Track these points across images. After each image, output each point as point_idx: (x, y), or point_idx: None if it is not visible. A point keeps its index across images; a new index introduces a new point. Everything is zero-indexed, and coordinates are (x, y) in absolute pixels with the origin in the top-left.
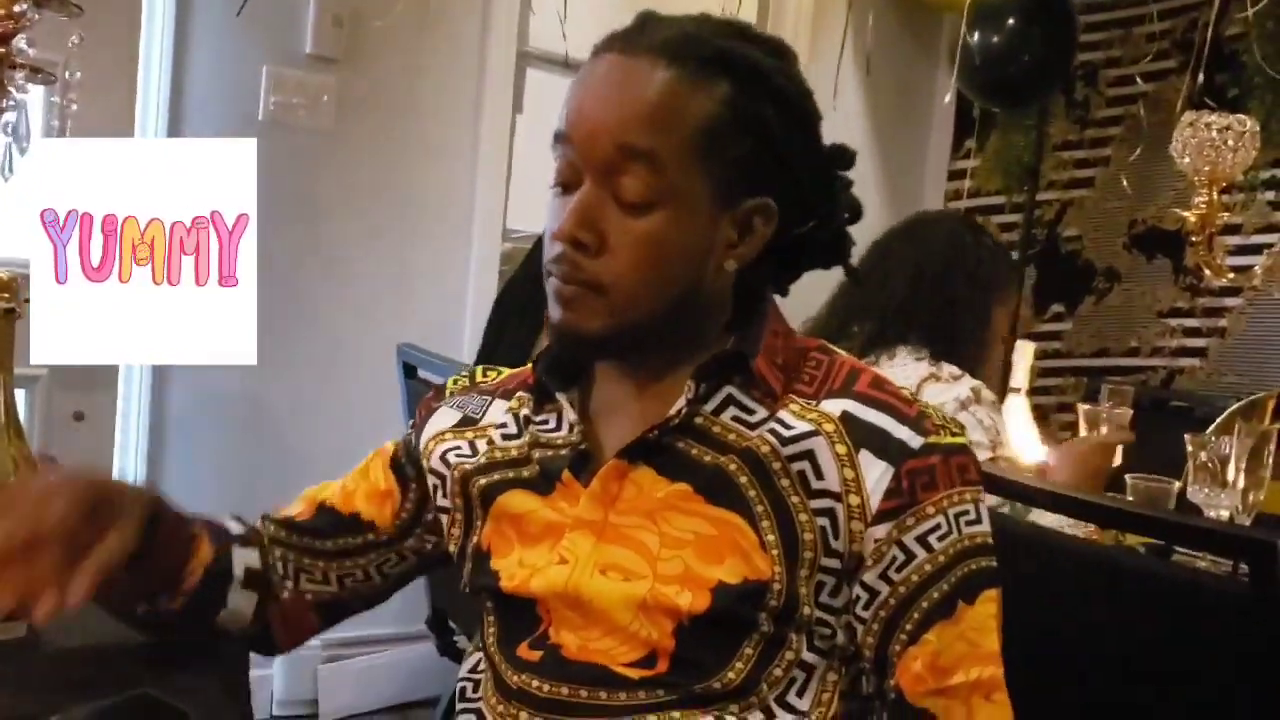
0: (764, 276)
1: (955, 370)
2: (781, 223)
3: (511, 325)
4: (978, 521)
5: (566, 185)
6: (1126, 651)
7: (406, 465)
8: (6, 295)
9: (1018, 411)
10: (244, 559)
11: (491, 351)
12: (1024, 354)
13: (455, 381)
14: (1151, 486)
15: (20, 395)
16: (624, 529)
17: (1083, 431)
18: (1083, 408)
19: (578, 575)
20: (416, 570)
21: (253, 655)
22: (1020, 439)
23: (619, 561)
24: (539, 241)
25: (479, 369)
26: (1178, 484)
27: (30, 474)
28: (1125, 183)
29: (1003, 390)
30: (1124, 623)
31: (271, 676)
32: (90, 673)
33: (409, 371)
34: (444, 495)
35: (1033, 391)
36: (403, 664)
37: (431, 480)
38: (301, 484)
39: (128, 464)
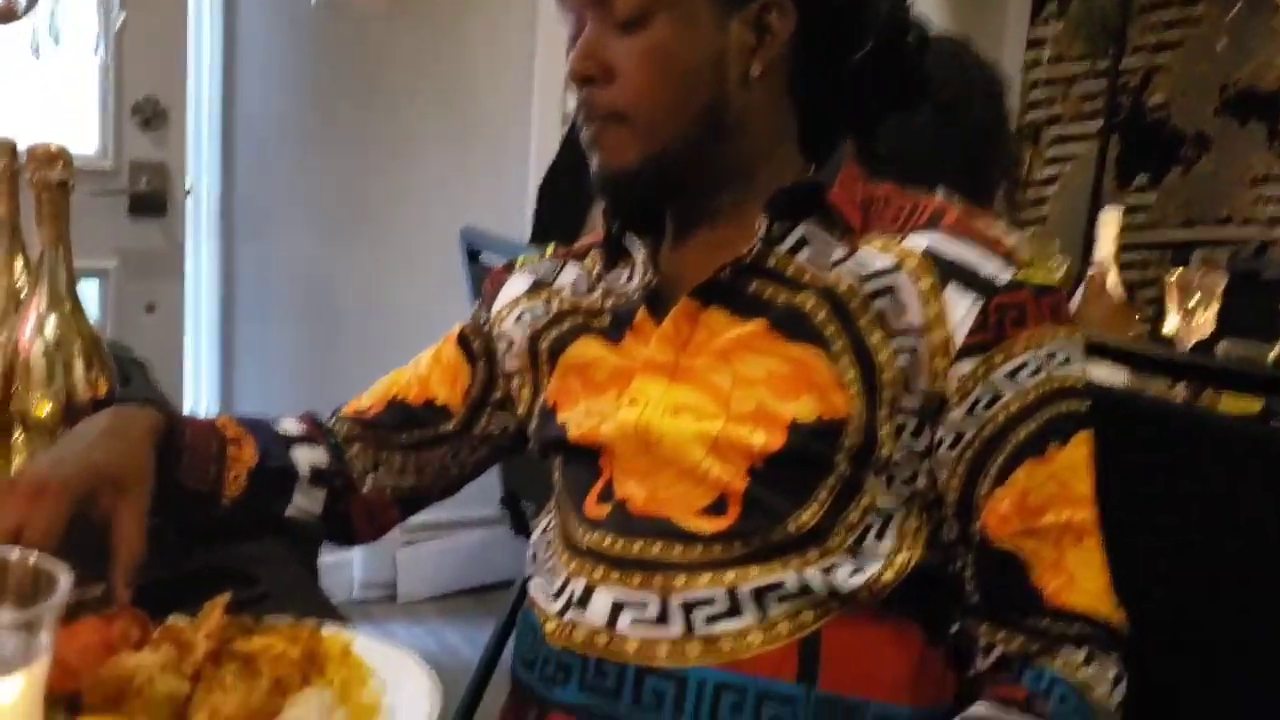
0: (832, 108)
1: (1000, 224)
2: (819, 36)
3: (560, 200)
4: (1070, 362)
5: (575, 31)
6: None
7: (474, 341)
8: (62, 166)
9: (1107, 285)
10: (308, 458)
11: (546, 230)
12: (1109, 222)
13: (524, 259)
14: (1245, 349)
15: (93, 286)
16: (696, 370)
17: (1172, 305)
18: (1173, 276)
19: (648, 415)
20: (491, 458)
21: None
22: (1103, 314)
23: (690, 403)
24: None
25: (549, 246)
26: (1272, 353)
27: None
28: (1219, 44)
29: (1082, 267)
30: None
31: (351, 561)
32: (157, 550)
33: (472, 256)
34: (513, 358)
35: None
36: (479, 547)
37: (501, 346)
38: (370, 368)
39: (199, 355)
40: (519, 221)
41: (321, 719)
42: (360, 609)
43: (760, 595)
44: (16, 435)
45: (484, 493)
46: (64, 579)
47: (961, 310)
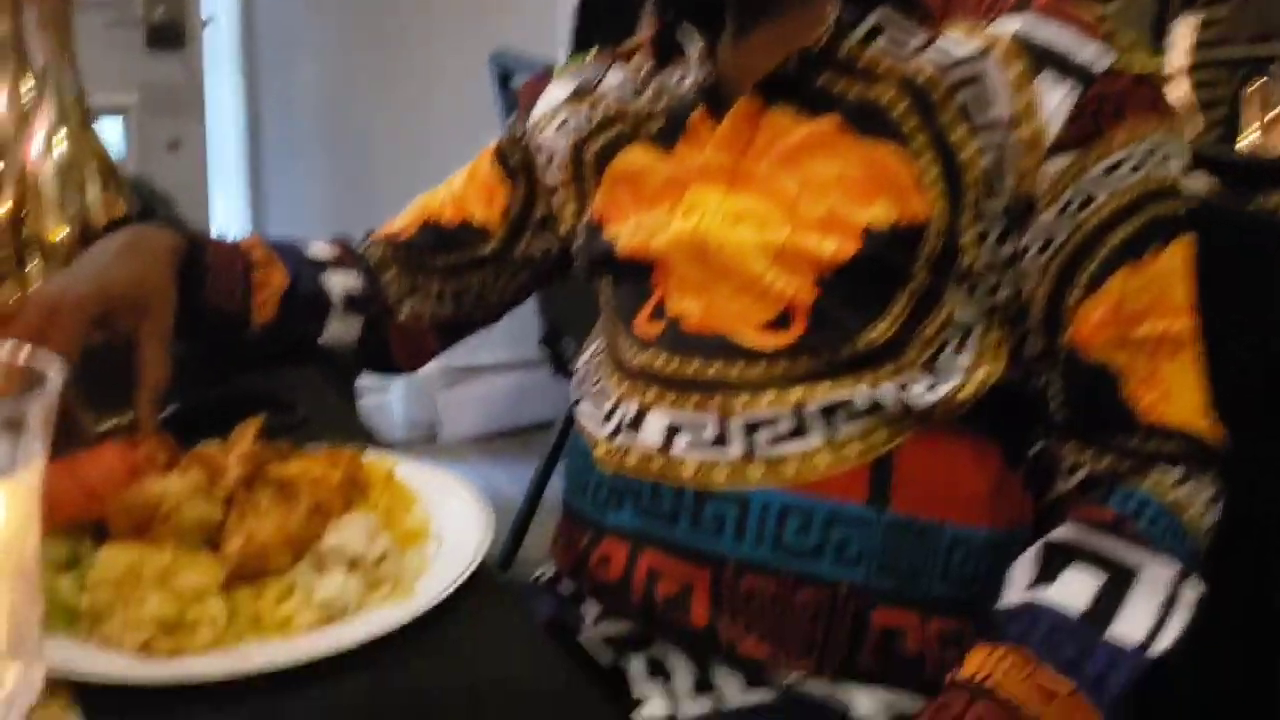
0: None
1: None
2: None
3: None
4: (1170, 160)
5: None
6: None
7: (511, 156)
8: None
9: (1175, 97)
10: (342, 283)
11: (588, 36)
12: (1183, 34)
13: (562, 66)
14: None
15: (115, 124)
16: (758, 175)
17: (1250, 118)
18: (1253, 86)
19: (705, 224)
20: (532, 283)
21: (373, 383)
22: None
23: (752, 211)
24: None
25: (591, 50)
26: None
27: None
28: None
29: None
30: None
31: (392, 403)
32: (190, 376)
33: (503, 81)
34: (554, 171)
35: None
36: (519, 389)
37: (541, 159)
38: (401, 201)
39: (226, 192)
40: (553, 43)
41: (367, 544)
42: (402, 450)
43: (829, 413)
44: (32, 264)
45: (524, 334)
46: (54, 374)
47: (1054, 101)
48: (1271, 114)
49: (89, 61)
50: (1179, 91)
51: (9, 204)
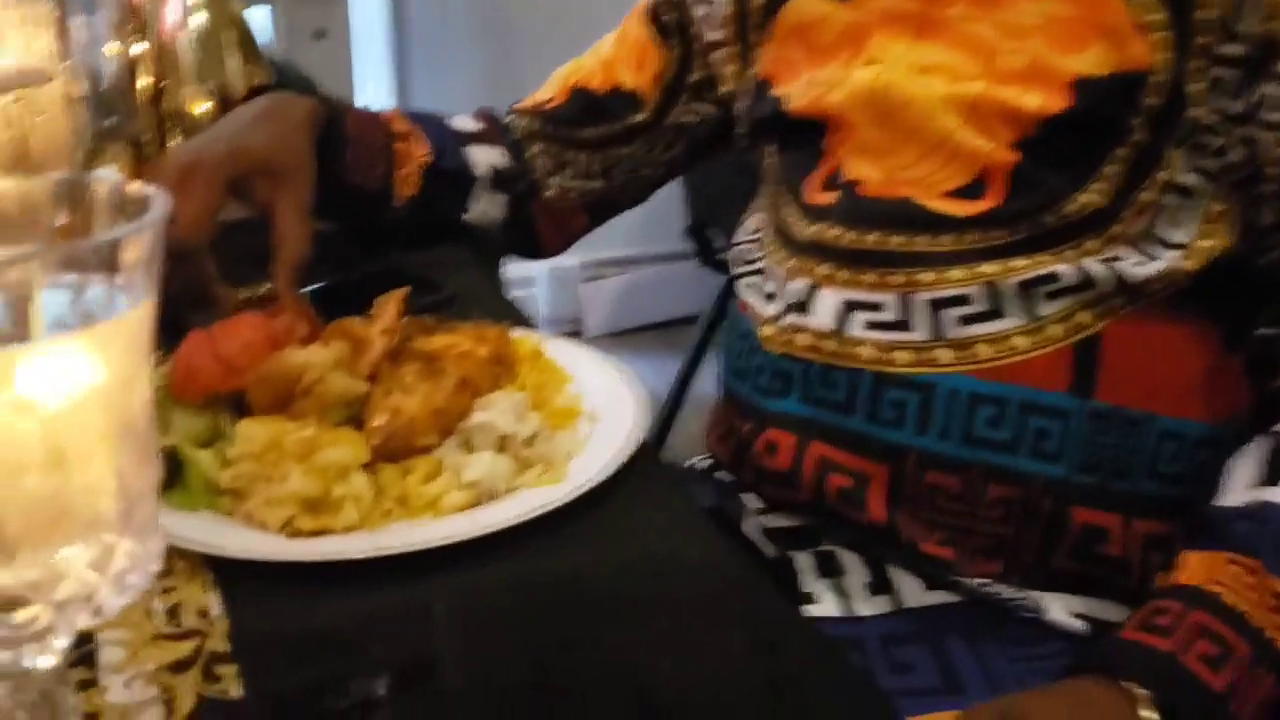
0: None
1: None
2: None
3: None
4: None
5: None
6: None
7: (665, 14)
8: None
9: None
10: (487, 158)
11: None
12: None
13: None
14: None
15: (264, 11)
16: (949, 21)
17: None
18: None
19: (888, 76)
20: (686, 157)
21: (515, 276)
22: None
23: (942, 61)
24: None
25: None
26: None
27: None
28: None
29: None
30: None
31: (535, 296)
32: (332, 250)
33: None
34: (714, 25)
35: None
36: (664, 282)
37: (698, 12)
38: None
39: (371, 83)
40: None
41: (516, 423)
42: None
43: (1028, 291)
44: (174, 139)
45: (667, 226)
46: (158, 204)
47: None
48: None
49: None
50: None
51: (149, 78)
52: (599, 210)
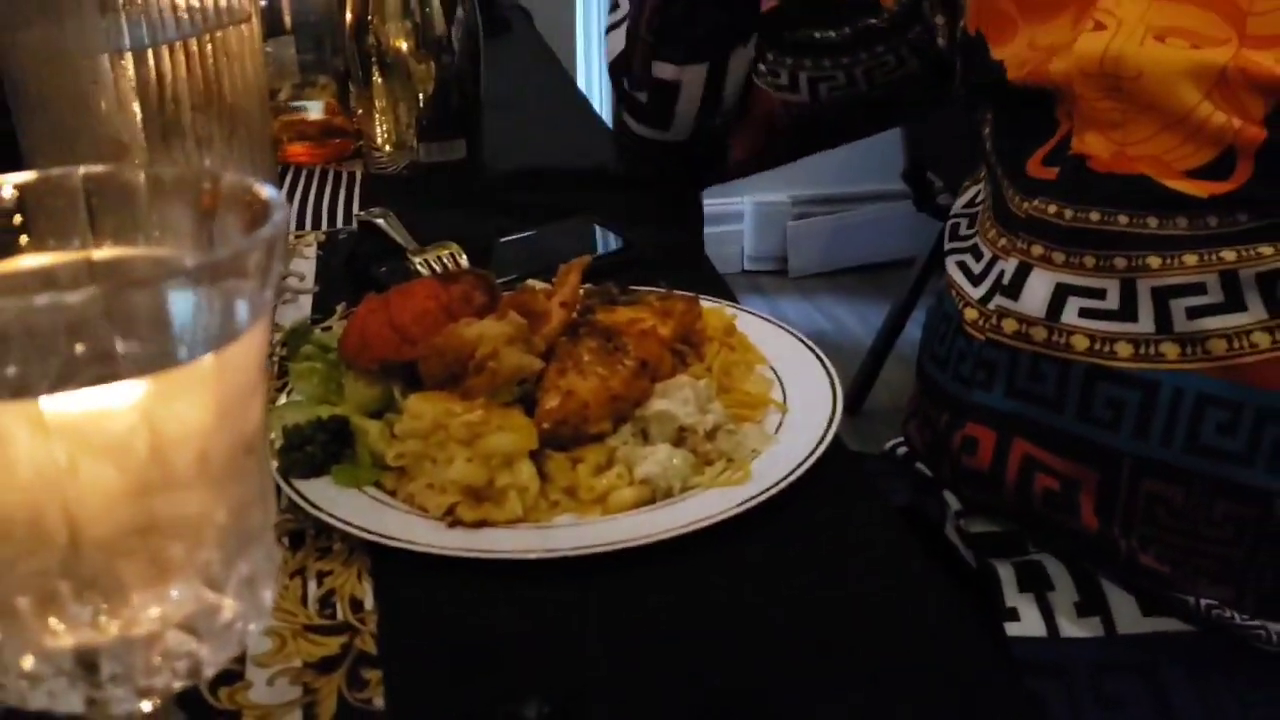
0: None
1: None
2: None
3: None
4: None
5: None
6: None
7: None
8: None
9: None
10: None
11: None
12: None
13: None
14: None
15: None
16: None
17: None
18: None
19: (1120, 43)
20: (914, 88)
21: (720, 211)
22: None
23: (1184, 24)
24: None
25: None
26: None
27: None
28: None
29: None
30: None
31: (742, 232)
32: (527, 197)
33: None
34: None
35: None
36: (875, 222)
37: None
38: None
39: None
40: None
41: (698, 414)
42: (749, 281)
43: (1271, 282)
44: (376, 76)
45: (883, 163)
46: (280, 209)
47: None
48: None
49: None
50: None
51: (355, 12)
52: (798, 134)
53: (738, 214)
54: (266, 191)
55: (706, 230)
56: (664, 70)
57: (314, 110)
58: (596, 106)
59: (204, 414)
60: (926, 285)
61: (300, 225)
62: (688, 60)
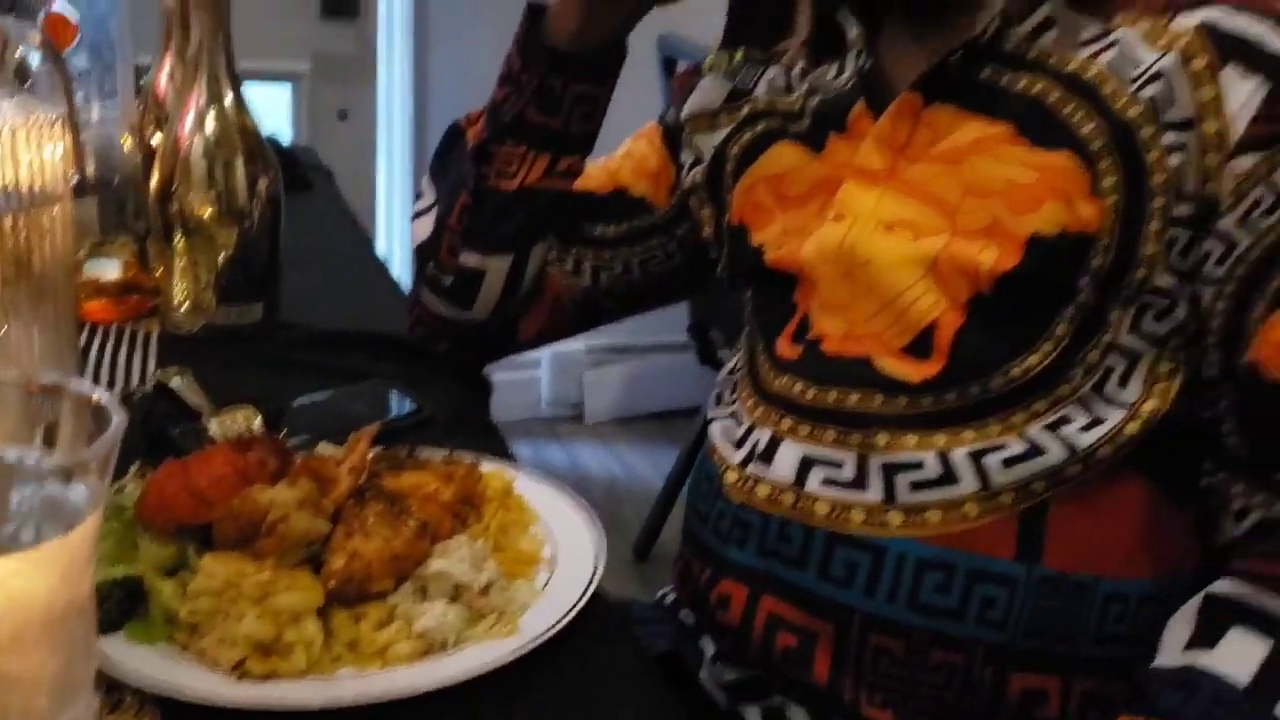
0: None
1: None
2: None
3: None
4: None
5: None
6: None
7: (672, 139)
8: None
9: None
10: None
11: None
12: None
13: (715, 56)
14: None
15: (285, 90)
16: (916, 178)
17: None
18: None
19: (856, 232)
20: (681, 277)
21: (519, 358)
22: None
23: (908, 216)
24: None
25: (740, 49)
26: None
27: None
28: None
29: None
30: None
31: (539, 379)
32: (322, 359)
33: (668, 66)
34: (693, 171)
35: None
36: (667, 372)
37: (685, 155)
38: None
39: (391, 163)
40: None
41: (473, 572)
42: (547, 426)
43: (979, 461)
44: (178, 238)
45: (672, 318)
46: (118, 419)
47: (1243, 95)
48: None
49: (264, 29)
50: None
51: (161, 177)
52: (580, 312)
53: (536, 361)
54: (104, 399)
55: (506, 376)
56: (470, 260)
57: (112, 269)
58: (393, 266)
59: (48, 587)
60: (705, 449)
61: (96, 383)
62: (494, 252)
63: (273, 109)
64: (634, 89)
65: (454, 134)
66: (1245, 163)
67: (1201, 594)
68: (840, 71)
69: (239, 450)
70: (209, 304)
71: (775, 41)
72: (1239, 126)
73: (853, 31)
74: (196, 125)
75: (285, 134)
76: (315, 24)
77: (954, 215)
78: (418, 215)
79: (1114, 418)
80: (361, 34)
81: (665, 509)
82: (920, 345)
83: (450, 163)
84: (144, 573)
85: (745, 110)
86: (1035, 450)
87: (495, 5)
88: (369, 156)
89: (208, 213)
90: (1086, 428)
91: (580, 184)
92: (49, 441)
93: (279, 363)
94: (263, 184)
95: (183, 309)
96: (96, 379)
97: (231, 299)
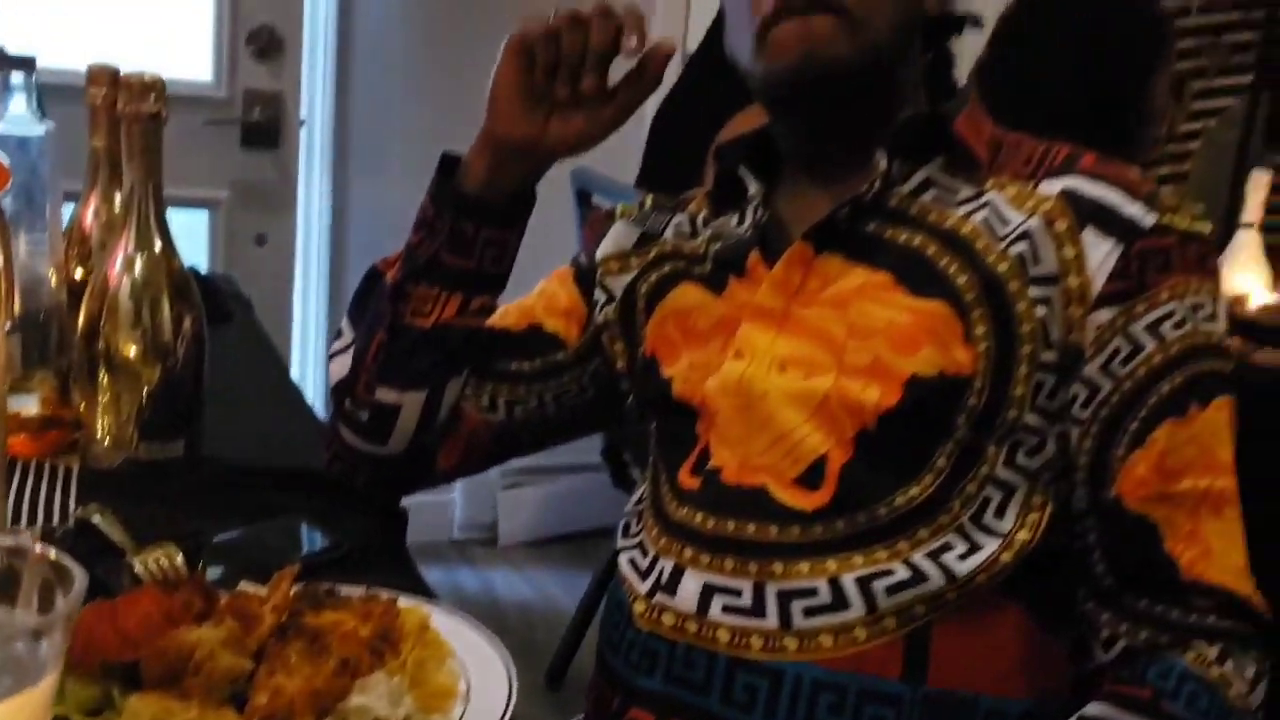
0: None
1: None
2: None
3: (673, 142)
4: (1215, 319)
5: None
6: None
7: (585, 280)
8: (155, 98)
9: (1248, 249)
10: None
11: (655, 174)
12: (1258, 186)
13: (624, 207)
14: None
15: (203, 217)
16: (808, 320)
17: None
18: None
19: (752, 371)
20: (593, 410)
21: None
22: (1248, 281)
23: (801, 355)
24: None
25: (648, 196)
26: None
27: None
28: None
29: (1225, 230)
30: None
31: (453, 502)
32: (241, 494)
33: (582, 198)
34: (605, 309)
35: (1265, 228)
36: (581, 493)
37: (597, 294)
38: None
39: (309, 289)
40: (633, 163)
41: (389, 708)
42: (460, 550)
43: (866, 586)
44: (102, 375)
45: (585, 440)
46: (80, 579)
47: (1100, 254)
48: None
49: (185, 157)
50: (1253, 246)
51: (88, 315)
52: (496, 444)
53: (449, 484)
54: (68, 563)
55: (419, 500)
56: (386, 395)
57: (32, 404)
58: (308, 392)
59: None
60: (615, 578)
61: (17, 520)
62: (408, 388)
63: (191, 234)
64: (550, 217)
65: (372, 276)
66: (1104, 315)
67: (1075, 716)
68: (740, 220)
69: (165, 592)
70: (131, 440)
71: (683, 187)
72: (1098, 283)
73: (752, 187)
74: (125, 268)
75: (203, 259)
76: (235, 153)
77: (841, 354)
78: (335, 354)
79: (990, 546)
80: (281, 162)
81: (578, 635)
82: (812, 476)
83: (369, 303)
84: (68, 713)
85: (654, 252)
86: (918, 576)
87: (414, 135)
88: (286, 281)
89: (133, 351)
90: (964, 555)
91: (496, 321)
92: (8, 597)
93: (199, 498)
94: (188, 322)
95: (104, 445)
96: (17, 515)
97: (153, 435)
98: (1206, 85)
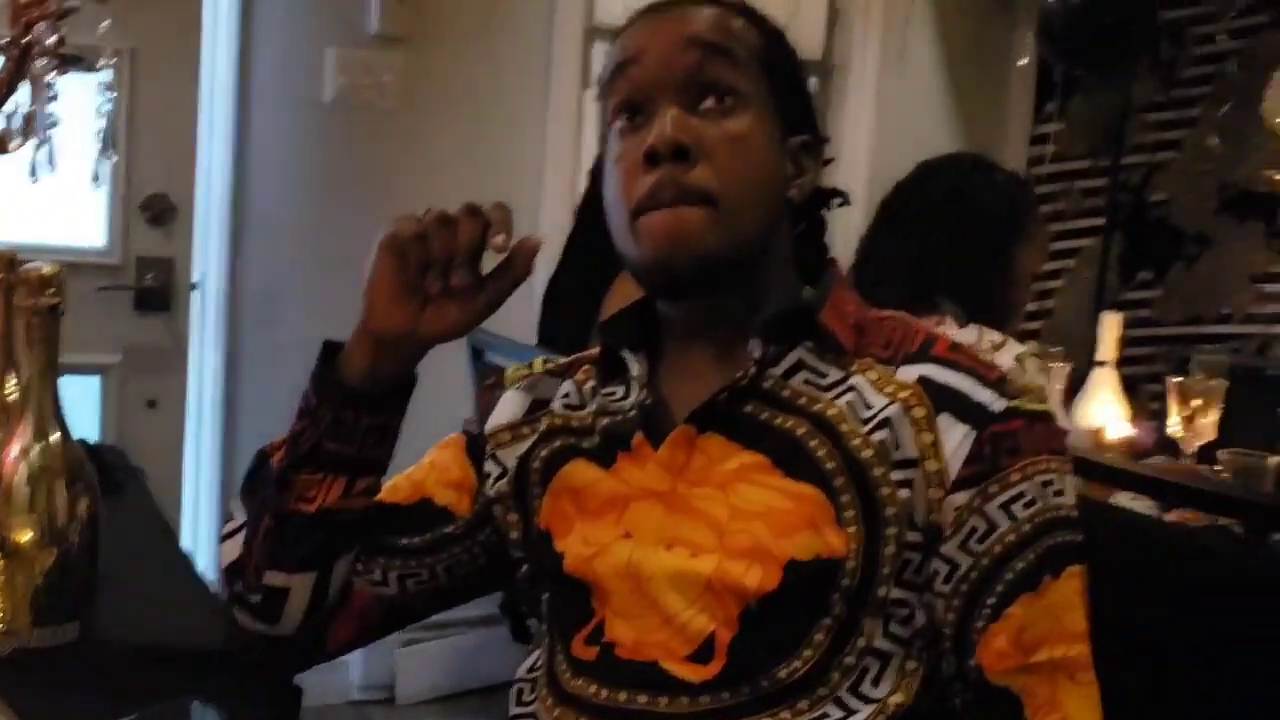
0: (821, 238)
1: (996, 337)
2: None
3: (566, 304)
4: (1064, 493)
5: (635, 112)
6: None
7: (474, 450)
8: (52, 291)
9: (1105, 385)
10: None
11: (552, 334)
12: (1110, 326)
13: (515, 370)
14: (1247, 461)
15: (94, 382)
16: (693, 500)
17: (1174, 408)
18: (1173, 381)
19: (640, 554)
20: (485, 578)
21: None
22: (1106, 414)
23: (687, 535)
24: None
25: (539, 359)
26: (1274, 459)
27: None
28: (1214, 143)
29: (1088, 363)
30: (1215, 611)
31: (349, 661)
32: (134, 676)
33: (476, 354)
34: (497, 481)
35: (1120, 362)
36: (481, 648)
37: (489, 467)
38: None
39: (200, 451)
40: (527, 319)
41: None
42: (358, 711)
43: None
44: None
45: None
46: None
47: (955, 439)
48: (1192, 407)
49: (77, 323)
50: (1109, 383)
51: None
52: (387, 616)
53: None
54: None
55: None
56: (275, 578)
57: None
58: (200, 561)
59: None
60: None
61: None
62: (296, 570)
63: (83, 400)
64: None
65: (261, 458)
66: (961, 497)
67: None
68: (626, 394)
69: None
70: (24, 626)
71: (581, 345)
72: (954, 467)
73: (634, 369)
74: (21, 456)
75: (94, 424)
76: (128, 318)
77: (723, 536)
78: (227, 536)
79: (865, 712)
80: (174, 326)
81: None
82: (703, 653)
83: (257, 486)
84: None
85: (544, 424)
86: None
87: (307, 297)
88: (177, 444)
89: (27, 537)
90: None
91: (386, 495)
92: None
93: (93, 683)
94: (83, 505)
95: None
96: None
97: (47, 620)
98: (1064, 227)
